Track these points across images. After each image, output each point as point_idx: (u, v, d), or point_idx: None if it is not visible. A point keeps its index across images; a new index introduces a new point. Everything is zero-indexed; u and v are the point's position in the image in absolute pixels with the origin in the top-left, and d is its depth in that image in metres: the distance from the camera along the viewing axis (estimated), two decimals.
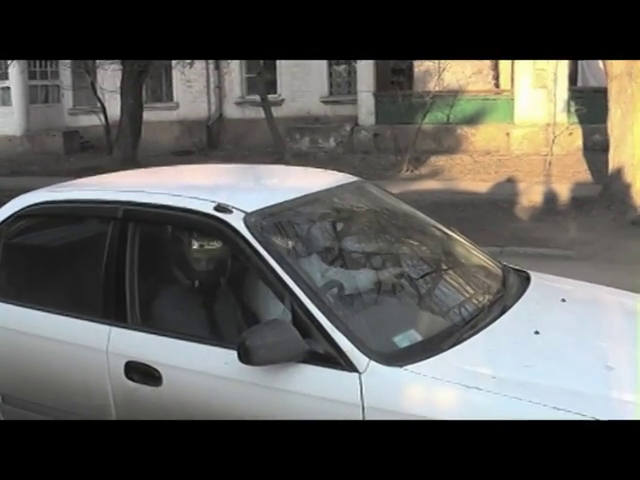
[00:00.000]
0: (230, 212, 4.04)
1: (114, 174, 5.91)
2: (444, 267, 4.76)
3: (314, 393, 3.62)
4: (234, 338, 3.76)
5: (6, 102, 29.67)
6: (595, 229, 12.22)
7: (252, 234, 3.94)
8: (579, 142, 20.86)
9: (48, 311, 4.51)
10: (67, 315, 4.43)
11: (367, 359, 3.56)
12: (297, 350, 3.61)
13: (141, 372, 4.10)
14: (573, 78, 22.07)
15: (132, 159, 21.60)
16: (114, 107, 23.86)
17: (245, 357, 3.55)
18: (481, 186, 16.65)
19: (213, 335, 4.29)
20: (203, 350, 3.98)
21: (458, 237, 5.10)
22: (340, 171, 5.58)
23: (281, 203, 4.38)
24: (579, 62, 22.11)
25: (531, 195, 15.26)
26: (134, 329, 4.25)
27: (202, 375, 3.94)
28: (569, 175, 17.37)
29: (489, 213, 13.72)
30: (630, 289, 5.07)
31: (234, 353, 3.63)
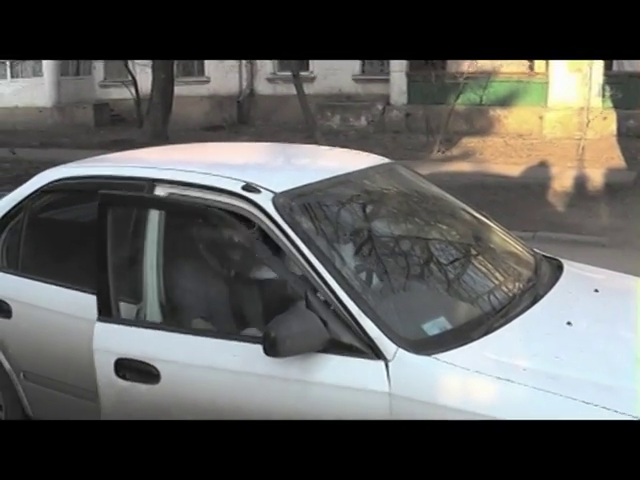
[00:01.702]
0: (259, 192, 3.97)
1: (141, 150, 5.85)
2: (475, 253, 4.67)
3: (338, 383, 3.54)
4: (251, 329, 3.75)
5: (37, 73, 29.78)
6: (628, 216, 12.04)
7: (280, 215, 3.87)
8: (613, 127, 20.67)
9: (71, 288, 4.48)
10: (89, 292, 4.35)
11: (395, 346, 3.48)
12: (320, 339, 3.53)
13: None
14: (609, 62, 21.80)
15: (162, 133, 21.62)
16: (145, 81, 23.85)
17: (272, 349, 3.46)
18: (513, 169, 16.49)
19: (229, 326, 4.25)
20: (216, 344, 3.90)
21: (490, 222, 5.01)
22: (370, 150, 5.52)
23: (311, 184, 4.31)
24: None
25: (563, 180, 15.09)
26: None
27: (207, 370, 3.88)
28: (602, 160, 17.18)
29: (521, 197, 13.58)
30: None
31: (245, 345, 3.67)
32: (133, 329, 4.13)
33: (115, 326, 4.17)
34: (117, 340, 4.13)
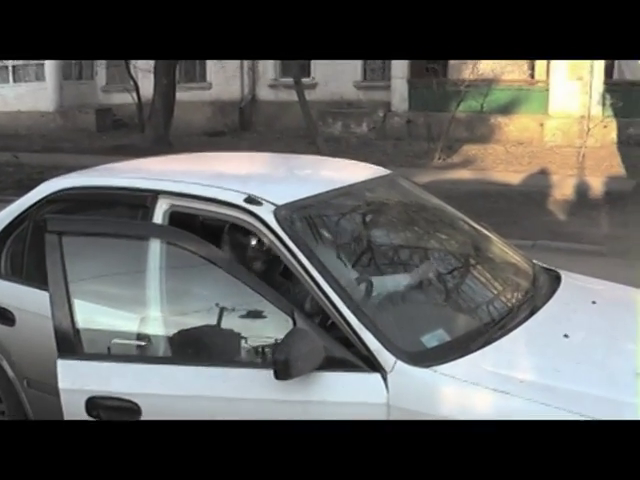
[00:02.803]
0: (260, 204, 4.00)
1: (144, 160, 5.89)
2: (474, 264, 4.72)
3: (337, 399, 3.54)
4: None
5: (40, 78, 29.74)
6: (628, 225, 12.05)
7: (282, 227, 3.90)
8: (613, 135, 20.68)
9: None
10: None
11: (394, 358, 3.51)
12: (320, 357, 3.52)
13: None
14: (609, 71, 21.84)
15: (164, 138, 21.66)
16: (147, 86, 23.86)
17: (284, 372, 3.41)
18: (513, 177, 16.52)
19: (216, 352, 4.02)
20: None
21: (489, 233, 5.05)
22: (372, 157, 5.58)
23: (312, 196, 4.34)
24: None
25: (564, 188, 15.13)
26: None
27: (196, 399, 3.76)
28: (603, 169, 17.21)
29: (521, 205, 13.62)
30: None
31: (238, 371, 3.67)
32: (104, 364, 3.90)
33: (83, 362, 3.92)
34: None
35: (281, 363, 3.40)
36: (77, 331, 3.89)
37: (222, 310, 3.89)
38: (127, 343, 3.97)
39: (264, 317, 3.81)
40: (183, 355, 3.98)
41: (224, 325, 3.89)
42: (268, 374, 3.48)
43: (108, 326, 4.08)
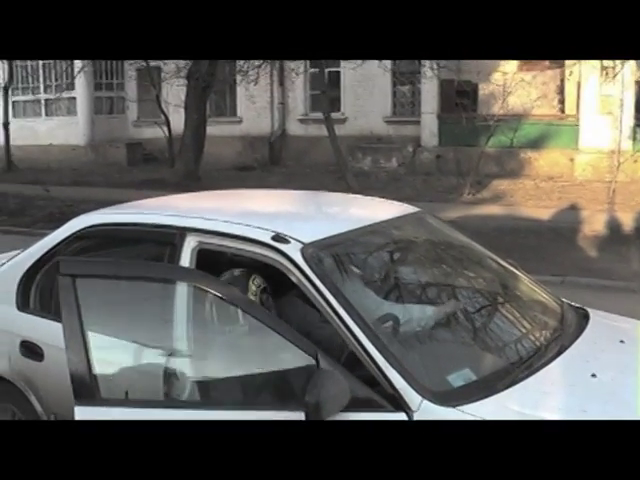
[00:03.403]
0: (288, 242, 4.02)
1: (173, 197, 5.94)
2: (501, 302, 4.72)
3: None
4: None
5: (71, 112, 30.01)
6: None
7: (309, 265, 3.92)
8: None
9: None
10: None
11: (420, 397, 3.50)
12: (347, 398, 3.50)
13: None
14: (639, 105, 21.78)
15: (194, 173, 21.76)
16: (178, 120, 23.98)
17: (315, 414, 3.39)
18: (543, 212, 16.47)
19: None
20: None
21: (516, 271, 5.04)
22: (401, 192, 5.61)
23: (339, 234, 4.37)
24: None
25: (594, 223, 15.06)
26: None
27: None
28: (633, 204, 17.10)
29: (551, 241, 13.55)
30: None
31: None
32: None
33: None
34: None
35: (312, 405, 3.38)
36: (94, 377, 3.77)
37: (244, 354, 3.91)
38: (148, 388, 3.95)
39: (287, 359, 3.73)
40: (207, 399, 3.96)
41: (246, 369, 3.87)
42: (294, 416, 3.47)
43: (126, 370, 4.00)
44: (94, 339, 3.80)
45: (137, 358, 4.07)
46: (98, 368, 3.78)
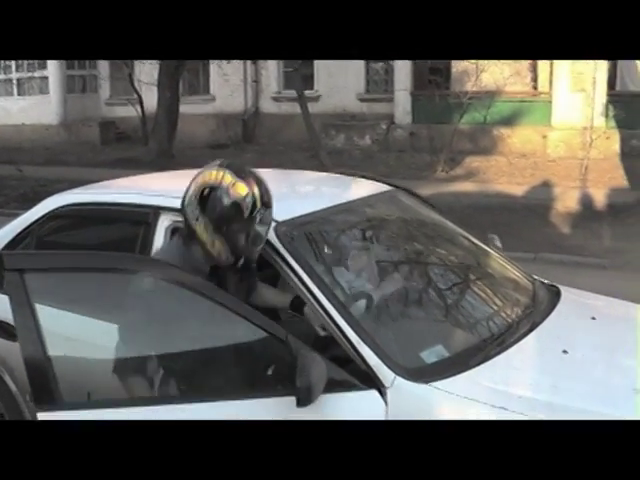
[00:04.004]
0: None
1: (147, 176, 5.94)
2: (473, 280, 4.74)
3: (339, 417, 3.50)
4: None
5: (44, 91, 29.79)
6: (630, 238, 12.05)
7: (282, 244, 3.94)
8: (616, 147, 20.66)
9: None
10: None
11: (393, 374, 3.53)
12: (326, 379, 3.43)
13: None
14: (612, 82, 21.82)
15: (167, 151, 21.72)
16: (151, 99, 23.87)
17: (307, 399, 3.33)
18: (516, 189, 16.56)
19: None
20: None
21: (488, 248, 5.07)
22: (375, 169, 5.58)
23: (312, 212, 4.39)
24: (618, 66, 21.90)
25: (566, 200, 15.15)
26: None
27: None
28: (605, 180, 17.22)
29: (524, 218, 13.63)
30: None
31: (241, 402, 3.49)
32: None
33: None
34: None
35: (304, 390, 3.33)
36: (54, 379, 3.48)
37: (212, 341, 3.72)
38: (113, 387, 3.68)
39: (258, 344, 3.61)
40: (178, 393, 3.80)
41: (219, 356, 3.71)
42: (280, 401, 3.45)
43: (87, 369, 3.69)
44: (50, 337, 3.49)
45: (98, 355, 3.87)
46: (57, 369, 3.48)
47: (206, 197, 3.68)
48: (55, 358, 3.47)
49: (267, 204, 3.76)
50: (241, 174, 3.73)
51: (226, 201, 3.65)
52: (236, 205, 3.65)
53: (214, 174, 3.71)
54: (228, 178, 3.68)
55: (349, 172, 5.80)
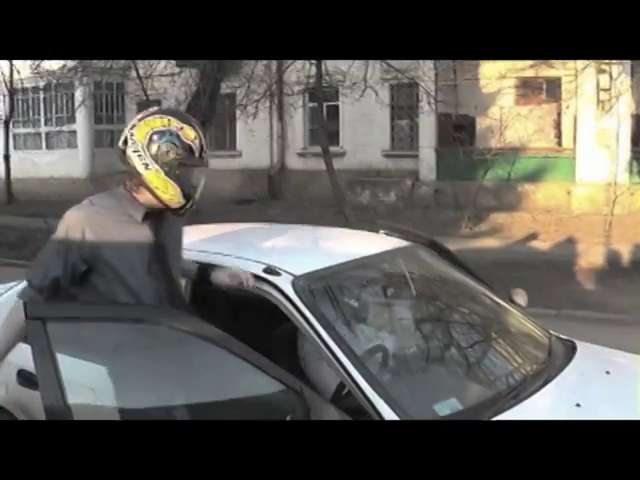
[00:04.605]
0: (279, 274, 4.11)
1: None
2: (489, 334, 4.80)
3: None
4: None
5: (72, 145, 30.11)
6: None
7: (299, 297, 4.00)
8: None
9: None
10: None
11: None
12: None
13: None
14: (635, 138, 21.82)
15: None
16: None
17: None
18: (540, 245, 16.59)
19: None
20: None
21: (507, 304, 5.12)
22: (400, 226, 5.61)
23: (330, 267, 4.46)
24: None
25: (590, 256, 15.14)
26: None
27: None
28: (629, 236, 17.16)
29: (547, 274, 13.62)
30: None
31: None
32: None
33: None
34: None
35: None
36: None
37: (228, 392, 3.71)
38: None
39: (270, 395, 3.61)
40: None
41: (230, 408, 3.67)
42: None
43: (106, 417, 3.69)
44: (70, 385, 3.47)
45: (118, 403, 3.82)
46: (77, 418, 3.46)
47: (155, 143, 3.79)
48: (75, 406, 3.46)
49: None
50: (185, 118, 3.85)
51: (178, 144, 3.75)
52: (188, 147, 3.76)
53: (159, 120, 3.80)
54: (175, 123, 3.77)
55: (386, 224, 5.79)
